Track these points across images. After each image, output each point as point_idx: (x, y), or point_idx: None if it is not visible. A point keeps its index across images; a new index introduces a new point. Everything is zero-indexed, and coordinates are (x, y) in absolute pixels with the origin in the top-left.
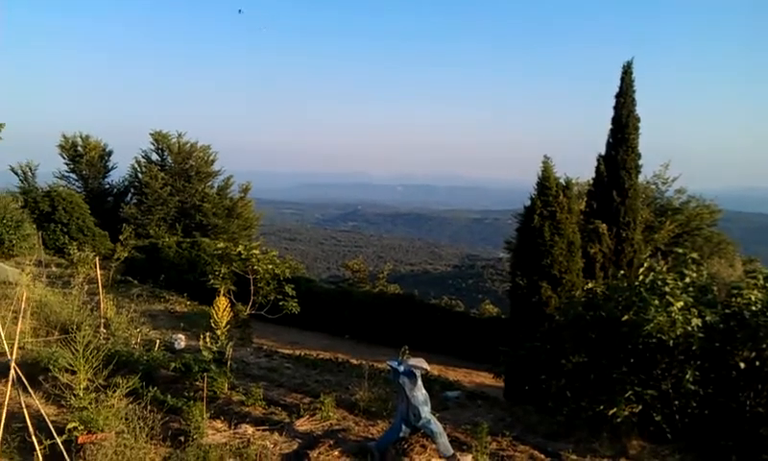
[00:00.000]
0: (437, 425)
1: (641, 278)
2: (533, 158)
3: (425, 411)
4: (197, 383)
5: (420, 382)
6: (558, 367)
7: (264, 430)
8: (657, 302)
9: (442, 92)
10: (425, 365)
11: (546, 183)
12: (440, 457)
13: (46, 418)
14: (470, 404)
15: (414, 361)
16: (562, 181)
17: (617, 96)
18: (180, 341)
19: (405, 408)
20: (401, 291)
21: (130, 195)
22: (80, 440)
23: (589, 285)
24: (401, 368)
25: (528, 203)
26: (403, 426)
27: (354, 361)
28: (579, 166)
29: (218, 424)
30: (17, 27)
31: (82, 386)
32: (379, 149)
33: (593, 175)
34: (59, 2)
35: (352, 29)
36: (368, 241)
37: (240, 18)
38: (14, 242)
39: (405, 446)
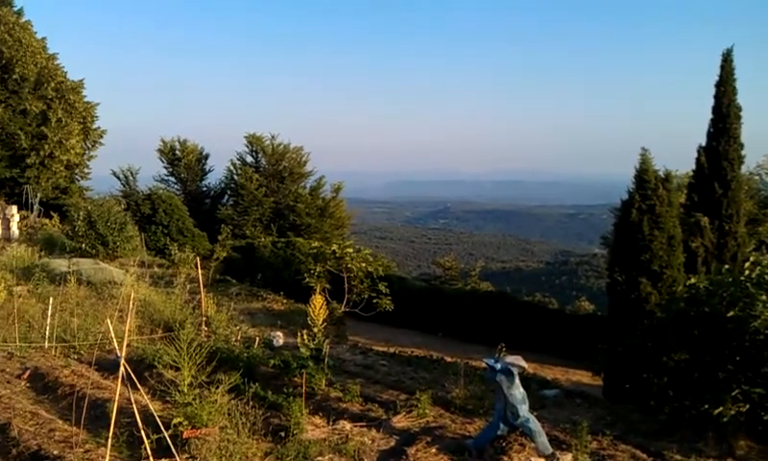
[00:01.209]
0: (535, 424)
1: (747, 272)
2: (626, 153)
3: (523, 409)
4: (295, 379)
5: (517, 380)
6: (659, 365)
7: (362, 426)
8: (765, 297)
9: (531, 87)
10: (523, 363)
11: (645, 176)
12: (539, 456)
13: (154, 413)
14: (569, 403)
15: (511, 359)
16: (661, 173)
17: (717, 85)
18: (279, 338)
19: (503, 406)
20: (493, 288)
21: (226, 197)
22: (185, 435)
23: (692, 281)
24: (498, 366)
25: (625, 197)
26: (501, 425)
27: (449, 358)
28: (676, 159)
29: (317, 419)
30: (116, 35)
31: (186, 382)
32: (469, 145)
33: (693, 167)
34: (152, 9)
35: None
36: (458, 238)
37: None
38: (118, 244)
39: (503, 444)
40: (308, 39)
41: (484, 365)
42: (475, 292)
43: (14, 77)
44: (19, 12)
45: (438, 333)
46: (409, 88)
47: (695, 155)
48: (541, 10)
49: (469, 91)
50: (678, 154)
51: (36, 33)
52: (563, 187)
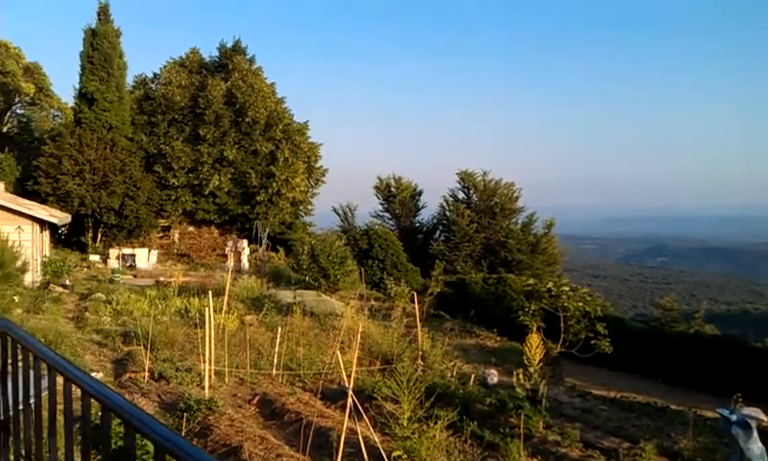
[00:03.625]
0: None
1: None
2: None
3: None
4: (511, 420)
5: (755, 434)
6: None
7: None
8: None
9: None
10: (762, 416)
11: None
12: None
13: (378, 445)
14: None
15: (748, 411)
16: None
17: None
18: (493, 376)
19: None
20: (719, 332)
21: (438, 232)
22: None
23: None
24: (734, 417)
25: None
26: None
27: (674, 406)
28: None
29: None
30: (336, 78)
31: (405, 416)
32: (685, 177)
33: None
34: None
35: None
36: (677, 278)
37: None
38: (339, 277)
39: None
40: (522, 77)
41: (717, 415)
42: (699, 335)
43: (247, 120)
44: (251, 60)
45: (658, 378)
46: (622, 120)
47: None
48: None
49: (684, 120)
50: None
51: (266, 78)
52: None
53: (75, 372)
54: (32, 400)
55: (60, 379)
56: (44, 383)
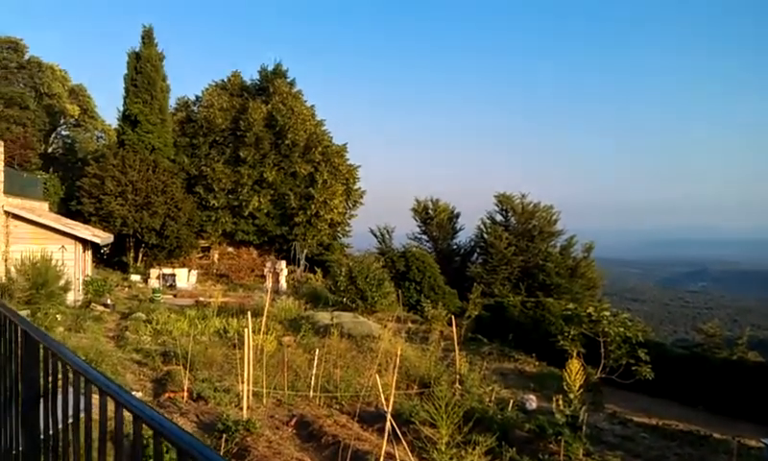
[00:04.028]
0: None
1: None
2: None
3: None
4: (551, 446)
5: None
6: None
7: None
8: None
9: None
10: None
11: None
12: None
13: None
14: None
15: None
16: None
17: None
18: (532, 402)
19: None
20: (762, 359)
21: (475, 255)
22: None
23: None
24: None
25: None
26: None
27: (717, 435)
28: None
29: None
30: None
31: (444, 441)
32: (728, 201)
33: None
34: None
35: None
36: (719, 302)
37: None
38: (376, 299)
39: None
40: (562, 98)
41: (761, 445)
42: (743, 362)
43: (287, 142)
44: (292, 83)
45: (698, 406)
46: (666, 142)
47: None
48: None
49: (731, 143)
50: None
51: (306, 101)
52: None
53: (126, 397)
54: (70, 421)
55: (110, 405)
56: (83, 403)
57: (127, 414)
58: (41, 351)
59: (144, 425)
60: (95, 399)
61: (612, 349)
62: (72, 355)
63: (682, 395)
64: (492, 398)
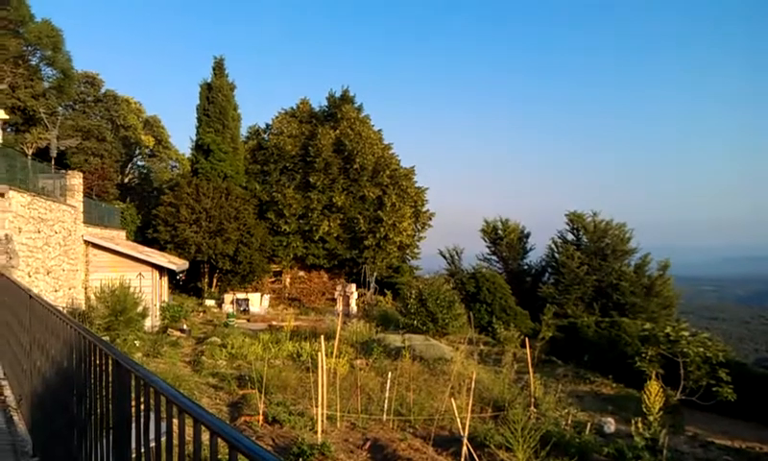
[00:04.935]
0: None
1: None
2: None
3: None
4: None
5: None
6: None
7: None
8: None
9: None
10: None
11: None
12: None
13: None
14: None
15: None
16: None
17: None
18: (610, 425)
19: None
20: None
21: (547, 275)
22: None
23: None
24: None
25: None
26: None
27: None
28: None
29: None
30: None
31: None
32: None
33: None
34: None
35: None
36: None
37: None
38: (447, 321)
39: None
40: (638, 113)
41: None
42: None
43: (355, 167)
44: (359, 108)
45: None
46: (740, 156)
47: None
48: None
49: None
50: None
51: (373, 125)
52: None
53: (218, 425)
54: (152, 444)
55: (205, 436)
56: (165, 427)
57: (219, 441)
58: (132, 379)
59: (240, 455)
60: (184, 424)
61: (691, 369)
62: (163, 383)
63: (765, 416)
64: (569, 421)
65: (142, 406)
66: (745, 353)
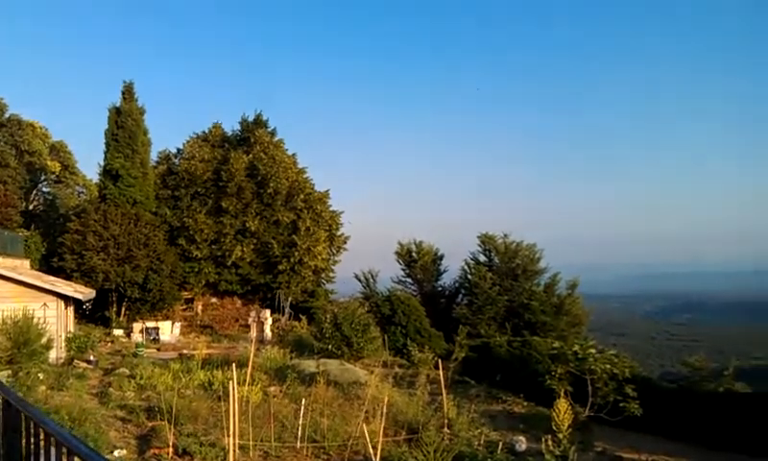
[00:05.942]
0: None
1: None
2: None
3: None
4: None
5: None
6: None
7: None
8: None
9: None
10: None
11: None
12: None
13: None
14: None
15: None
16: None
17: None
18: (521, 443)
19: None
20: (749, 389)
21: (461, 296)
22: None
23: None
24: None
25: None
26: None
27: None
28: None
29: None
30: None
31: None
32: (710, 233)
33: None
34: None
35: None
36: (704, 334)
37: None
38: (362, 345)
39: None
40: (541, 133)
41: None
42: (731, 393)
43: (269, 191)
44: (273, 132)
45: (689, 441)
46: (647, 176)
47: None
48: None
49: (713, 174)
50: None
51: (287, 149)
52: None
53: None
54: None
55: None
56: None
57: None
58: (23, 419)
59: None
60: None
61: (599, 386)
62: (54, 425)
63: (671, 429)
64: (482, 441)
65: (32, 446)
66: (651, 369)
